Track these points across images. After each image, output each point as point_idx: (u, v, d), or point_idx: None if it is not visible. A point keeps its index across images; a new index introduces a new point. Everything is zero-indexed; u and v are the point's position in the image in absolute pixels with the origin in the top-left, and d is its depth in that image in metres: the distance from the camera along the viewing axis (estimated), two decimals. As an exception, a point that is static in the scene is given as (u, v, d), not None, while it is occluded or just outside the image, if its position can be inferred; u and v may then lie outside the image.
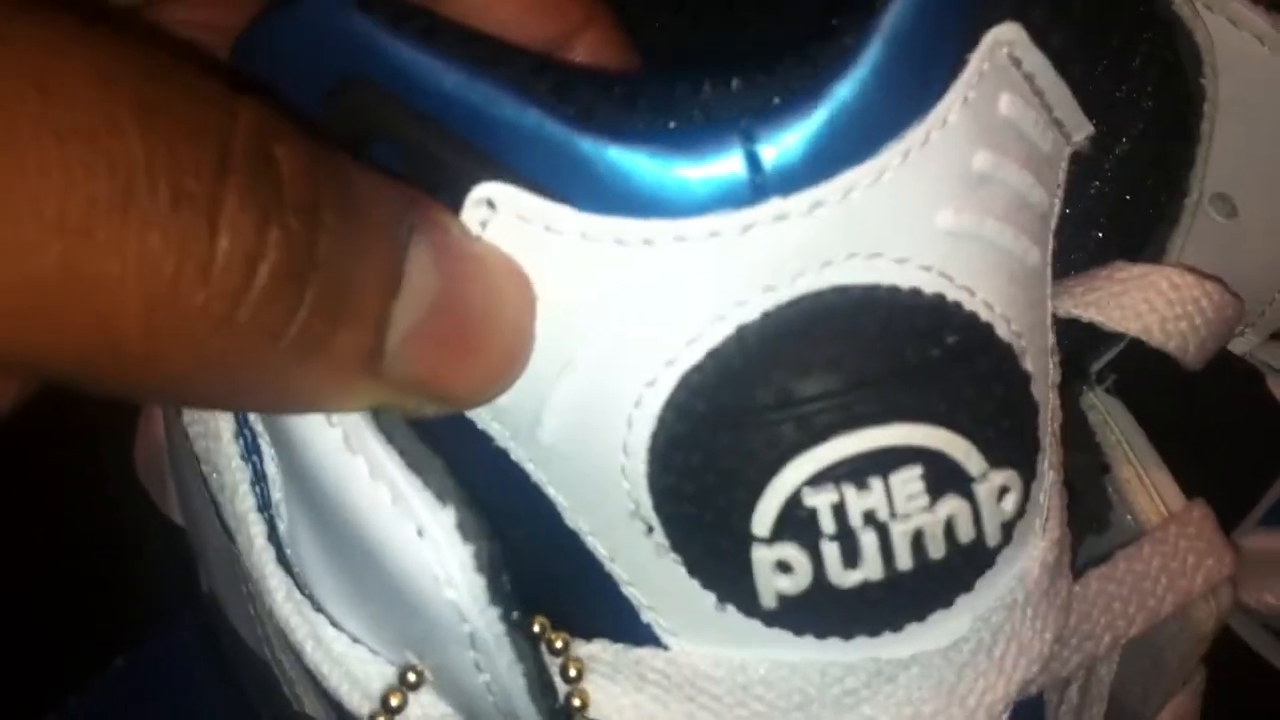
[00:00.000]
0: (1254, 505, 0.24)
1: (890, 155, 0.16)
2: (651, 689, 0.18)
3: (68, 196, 0.12)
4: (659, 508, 0.17)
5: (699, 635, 0.18)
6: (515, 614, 0.16)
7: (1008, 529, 0.17)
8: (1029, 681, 0.18)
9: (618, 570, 0.18)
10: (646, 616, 0.18)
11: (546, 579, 0.18)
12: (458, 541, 0.16)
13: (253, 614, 0.22)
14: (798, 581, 0.16)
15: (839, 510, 0.16)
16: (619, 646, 0.18)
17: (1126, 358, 0.22)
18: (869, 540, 0.16)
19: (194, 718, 0.30)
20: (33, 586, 0.33)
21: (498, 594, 0.16)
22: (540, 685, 0.17)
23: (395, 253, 0.15)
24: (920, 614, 0.17)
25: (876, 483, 0.16)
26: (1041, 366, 0.18)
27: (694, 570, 0.17)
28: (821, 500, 0.16)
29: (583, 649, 0.18)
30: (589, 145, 0.16)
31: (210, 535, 0.22)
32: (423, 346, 0.15)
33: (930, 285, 0.16)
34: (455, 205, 0.16)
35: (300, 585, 0.19)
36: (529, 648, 0.17)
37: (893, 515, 0.16)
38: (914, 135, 0.16)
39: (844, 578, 0.16)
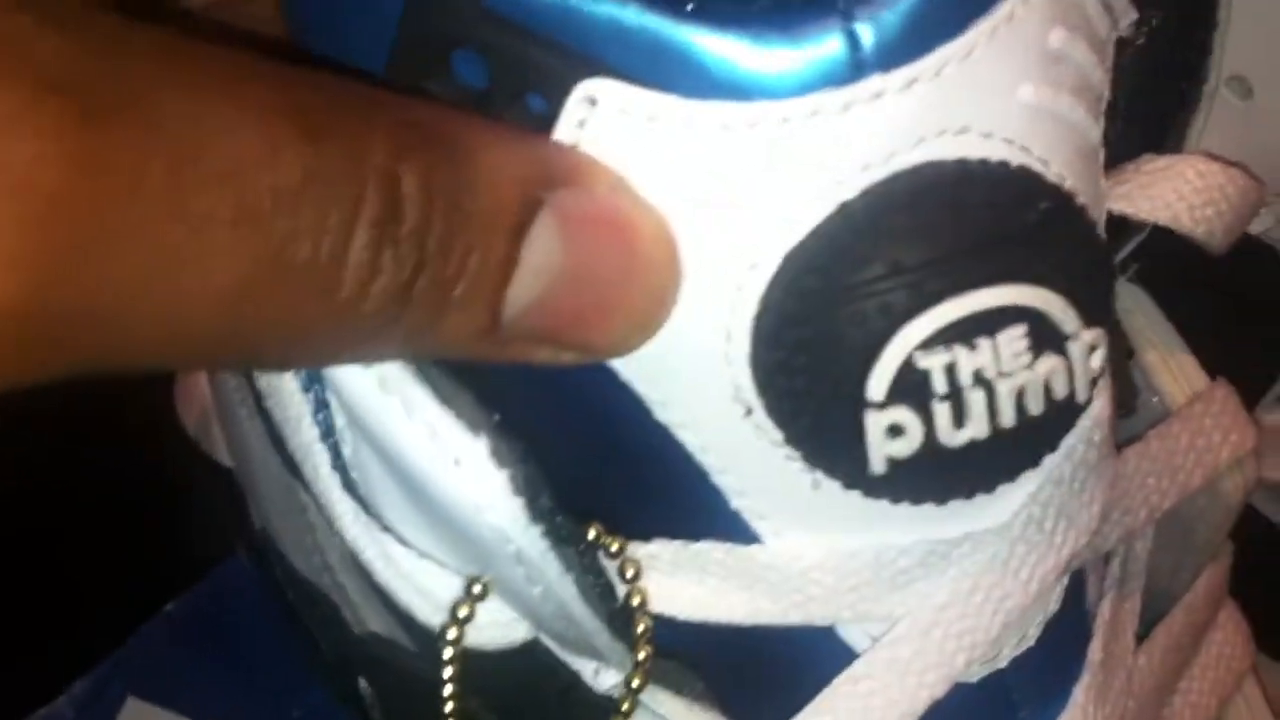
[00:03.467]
0: (1272, 382, 0.26)
1: (979, 32, 0.16)
2: (711, 580, 0.19)
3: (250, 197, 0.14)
4: (764, 388, 0.17)
5: (789, 519, 0.18)
6: (562, 528, 0.17)
7: (1094, 387, 0.18)
8: (1078, 554, 0.19)
9: (710, 460, 0.18)
10: (736, 504, 0.18)
11: (608, 487, 0.19)
12: (493, 468, 0.17)
13: (310, 544, 0.22)
14: (909, 444, 0.17)
15: (951, 370, 0.17)
16: (678, 543, 0.19)
17: (1147, 246, 0.23)
18: (977, 398, 0.17)
19: (246, 656, 0.30)
20: (84, 535, 0.33)
21: (537, 513, 0.17)
22: (596, 590, 0.18)
23: (507, 239, 0.16)
24: (1012, 474, 0.18)
25: (985, 342, 0.17)
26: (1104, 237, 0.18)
27: (800, 445, 0.17)
28: (934, 362, 0.17)
29: (641, 550, 0.19)
30: (690, 34, 0.16)
31: (263, 471, 0.23)
32: (543, 317, 0.16)
33: (1015, 158, 0.17)
34: (553, 110, 0.17)
35: (367, 508, 0.19)
36: (578, 557, 0.17)
37: (999, 373, 0.17)
38: (1000, 11, 0.17)
39: (953, 437, 0.17)
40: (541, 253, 0.16)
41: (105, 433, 0.31)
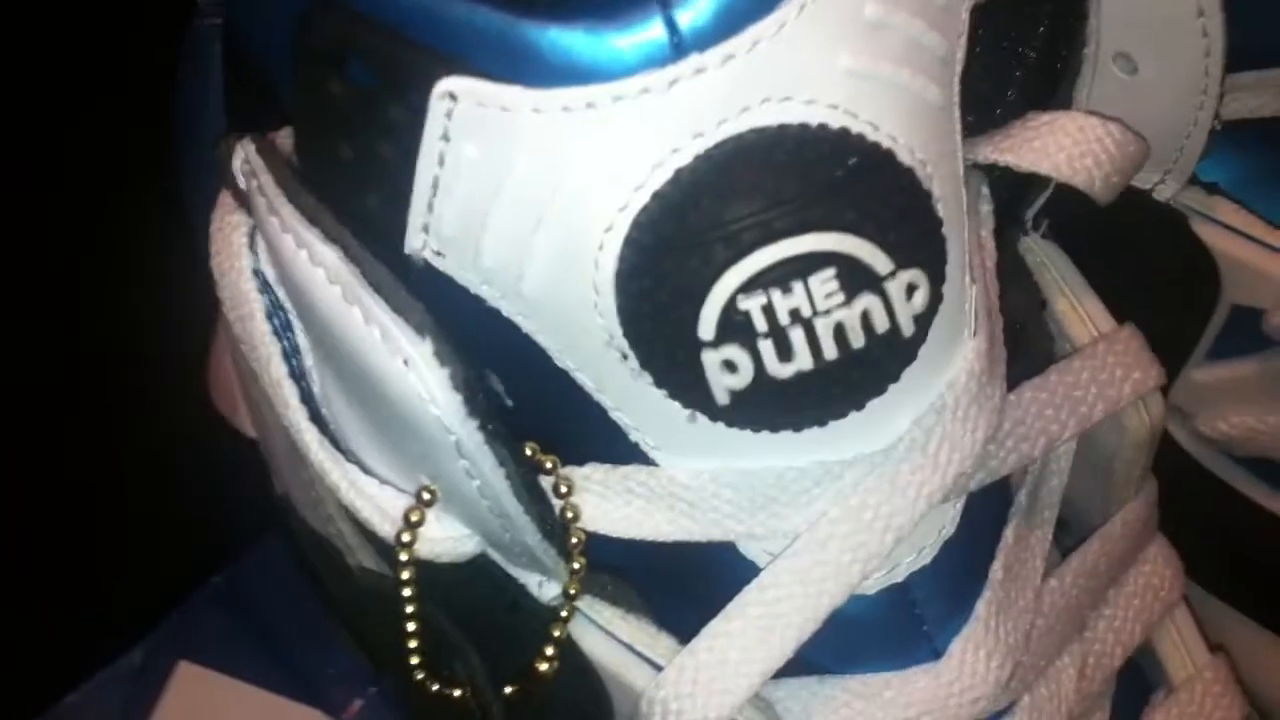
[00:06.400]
0: (1196, 341, 0.27)
1: (787, 9, 0.19)
2: (638, 501, 0.21)
3: None
4: (627, 333, 0.20)
5: (678, 449, 0.21)
6: (496, 427, 0.19)
7: (921, 322, 0.20)
8: (964, 475, 0.21)
9: (604, 399, 0.21)
10: (634, 437, 0.21)
11: (547, 418, 0.21)
12: (435, 366, 0.19)
13: (314, 497, 0.25)
14: (743, 377, 0.19)
15: (768, 311, 0.19)
16: (607, 466, 0.21)
17: (1057, 205, 0.24)
18: (797, 335, 0.19)
19: (285, 622, 0.34)
20: (131, 511, 0.37)
21: (475, 408, 0.19)
22: (526, 489, 0.20)
23: None
24: (858, 401, 0.20)
25: (798, 285, 0.19)
26: (951, 190, 0.20)
27: (661, 383, 0.20)
28: (753, 304, 0.19)
29: (577, 472, 0.21)
30: (532, 31, 0.19)
31: (275, 436, 0.26)
32: None
33: (836, 121, 0.19)
34: (422, 103, 0.19)
35: (335, 442, 0.22)
36: (510, 456, 0.20)
37: (814, 312, 0.19)
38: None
39: (780, 370, 0.19)
40: None
41: (150, 412, 0.35)
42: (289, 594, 0.33)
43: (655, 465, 0.21)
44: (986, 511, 0.23)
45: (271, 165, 0.20)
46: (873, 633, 0.22)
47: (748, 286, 0.19)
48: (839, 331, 0.19)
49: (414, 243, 0.20)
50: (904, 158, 0.19)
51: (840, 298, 0.19)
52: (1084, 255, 0.25)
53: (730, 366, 0.19)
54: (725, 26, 0.18)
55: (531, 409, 0.21)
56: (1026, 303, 0.24)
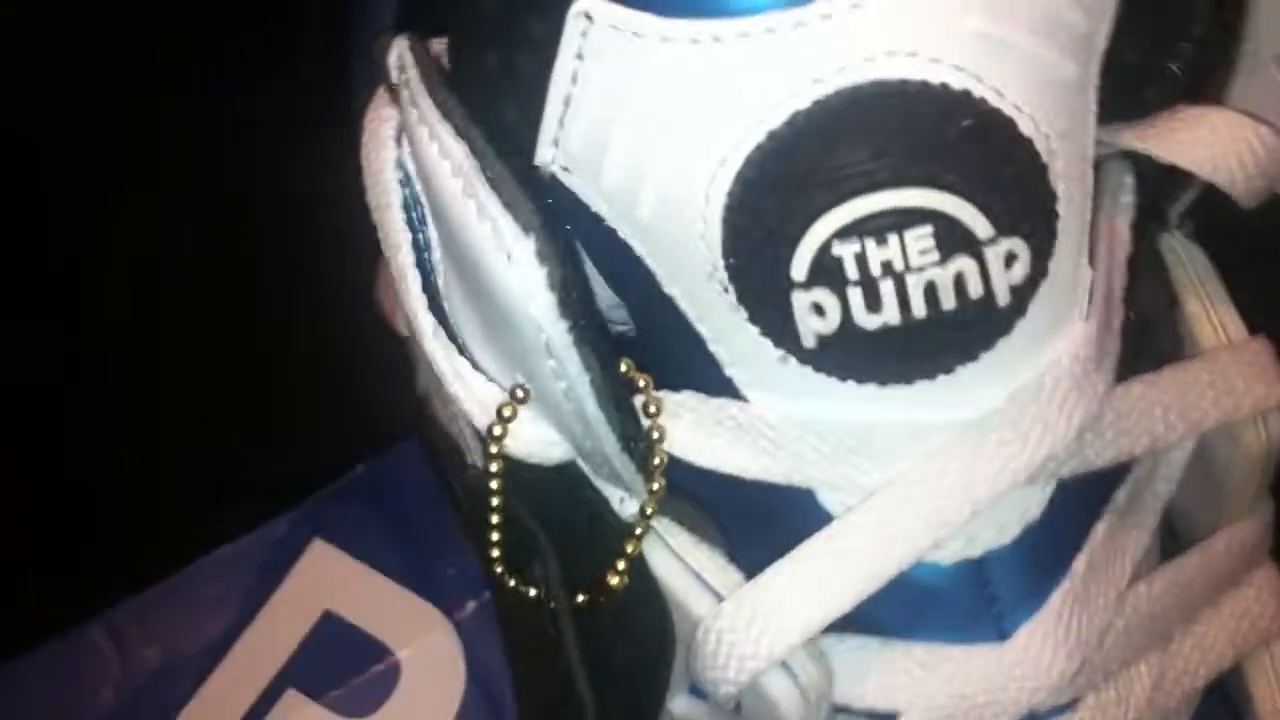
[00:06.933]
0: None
1: (923, -37, 0.19)
2: (726, 435, 0.22)
3: None
4: (728, 266, 0.20)
5: (769, 388, 0.21)
6: (586, 329, 0.20)
7: (1019, 294, 0.19)
8: (1053, 459, 0.21)
9: (704, 329, 0.21)
10: (729, 371, 0.21)
11: (653, 341, 0.22)
12: (535, 264, 0.20)
13: (445, 394, 0.26)
14: (829, 322, 0.19)
15: (861, 259, 0.19)
16: (702, 396, 0.22)
17: (1207, 207, 0.24)
18: (888, 288, 0.19)
19: (416, 517, 0.36)
20: (300, 400, 0.40)
21: (566, 309, 0.20)
22: (611, 398, 0.20)
23: None
24: (947, 364, 0.20)
25: (893, 238, 0.19)
26: (1076, 170, 0.20)
27: (755, 319, 0.20)
28: (846, 250, 0.19)
29: (671, 397, 0.22)
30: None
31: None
32: None
33: (959, 82, 0.19)
34: (561, 20, 0.20)
35: (451, 336, 0.23)
36: (598, 364, 0.20)
37: (907, 267, 0.19)
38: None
39: (867, 320, 0.19)
40: None
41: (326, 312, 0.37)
42: (424, 492, 0.35)
43: (747, 401, 0.21)
44: (1080, 503, 0.23)
45: (420, 62, 0.21)
46: (941, 604, 0.22)
47: (844, 233, 0.19)
48: (930, 290, 0.19)
49: (544, 155, 0.21)
50: (1025, 128, 0.19)
51: (935, 256, 0.19)
52: (1230, 261, 0.24)
53: (819, 310, 0.19)
54: (857, -27, 0.19)
55: (639, 330, 0.22)
56: (1157, 300, 0.24)
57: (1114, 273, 0.22)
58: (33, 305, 0.40)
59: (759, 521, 0.22)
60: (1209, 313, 0.24)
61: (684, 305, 0.21)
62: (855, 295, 0.19)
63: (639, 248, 0.21)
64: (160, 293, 0.40)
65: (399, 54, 0.22)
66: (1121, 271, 0.22)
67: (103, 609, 0.36)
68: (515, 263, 0.20)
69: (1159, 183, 0.23)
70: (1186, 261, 0.24)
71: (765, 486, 0.22)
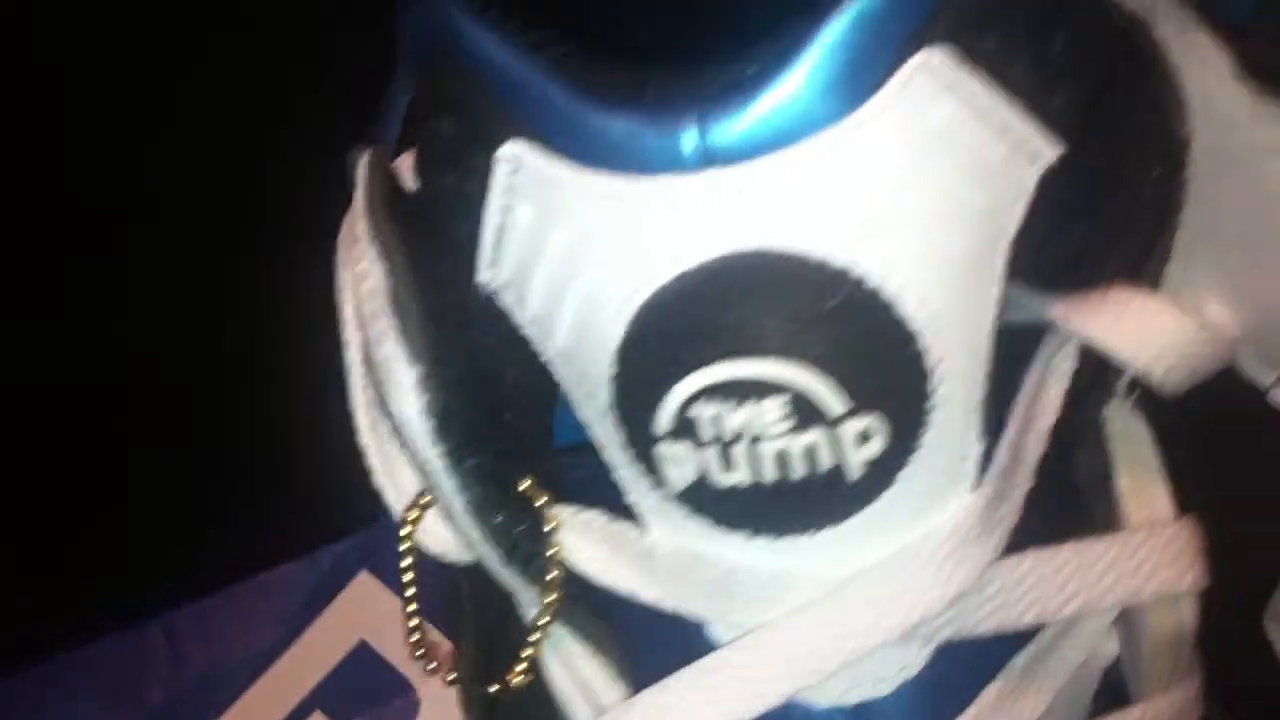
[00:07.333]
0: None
1: (817, 144, 0.19)
2: (625, 557, 0.23)
3: None
4: (615, 408, 0.21)
5: (661, 523, 0.22)
6: (461, 454, 0.21)
7: (876, 468, 0.20)
8: (926, 623, 0.21)
9: (608, 456, 0.22)
10: (630, 499, 0.22)
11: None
12: (416, 393, 0.21)
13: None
14: (687, 475, 0.20)
15: (717, 422, 0.20)
16: (608, 517, 0.23)
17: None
18: (739, 451, 0.20)
19: None
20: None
21: (443, 435, 0.21)
22: (491, 514, 0.22)
23: None
24: (808, 526, 0.21)
25: (750, 405, 0.20)
26: (967, 346, 0.20)
27: (636, 459, 0.21)
28: (705, 412, 0.20)
29: (579, 515, 0.23)
30: (588, 114, 0.20)
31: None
32: None
33: (840, 260, 0.20)
34: (490, 155, 0.21)
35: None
36: (477, 484, 0.21)
37: (762, 435, 0.20)
38: (841, 129, 0.19)
39: (721, 479, 0.20)
40: None
41: None
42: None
43: (647, 529, 0.22)
44: (967, 664, 0.23)
45: (370, 178, 0.23)
46: (814, 750, 0.23)
47: (705, 394, 0.20)
48: (781, 458, 0.20)
49: (484, 275, 0.23)
50: (905, 308, 0.20)
51: (787, 425, 0.20)
52: (1176, 435, 0.24)
53: (678, 462, 0.20)
54: (753, 148, 0.19)
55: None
56: (1095, 470, 0.24)
57: (1026, 442, 0.22)
58: (96, 312, 0.42)
59: (656, 644, 0.23)
60: (1138, 489, 0.23)
61: (593, 431, 0.22)
62: (711, 455, 0.20)
63: (557, 373, 0.22)
64: (240, 311, 0.42)
65: (361, 166, 0.24)
66: (1040, 440, 0.22)
67: (163, 612, 0.39)
68: (398, 387, 0.21)
69: (1101, 353, 0.23)
70: (1123, 434, 0.24)
71: (661, 612, 0.23)
